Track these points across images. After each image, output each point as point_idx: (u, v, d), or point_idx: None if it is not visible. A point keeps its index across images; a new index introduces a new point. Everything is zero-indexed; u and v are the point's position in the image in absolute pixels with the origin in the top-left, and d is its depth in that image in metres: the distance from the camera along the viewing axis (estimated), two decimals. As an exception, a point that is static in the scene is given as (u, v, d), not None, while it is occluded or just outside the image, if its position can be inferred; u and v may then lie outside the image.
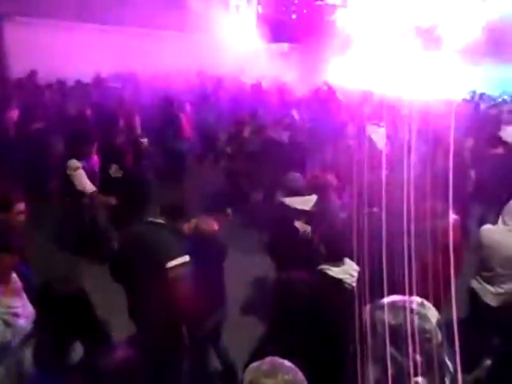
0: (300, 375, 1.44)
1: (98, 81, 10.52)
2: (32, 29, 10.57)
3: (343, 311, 2.01)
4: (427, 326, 1.54)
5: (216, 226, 2.85)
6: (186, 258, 2.51)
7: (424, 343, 1.52)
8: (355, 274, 2.43)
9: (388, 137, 6.14)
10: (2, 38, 10.85)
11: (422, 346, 1.52)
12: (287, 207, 3.22)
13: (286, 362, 1.46)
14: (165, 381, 2.77)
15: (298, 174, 3.52)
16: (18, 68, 10.33)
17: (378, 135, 6.15)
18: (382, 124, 7.29)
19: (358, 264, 2.43)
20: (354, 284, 2.40)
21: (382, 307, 1.60)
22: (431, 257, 2.43)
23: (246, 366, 1.50)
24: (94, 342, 1.79)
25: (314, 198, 3.28)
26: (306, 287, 2.07)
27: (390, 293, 1.83)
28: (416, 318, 1.53)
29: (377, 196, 2.89)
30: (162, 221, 2.65)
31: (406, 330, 1.51)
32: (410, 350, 1.51)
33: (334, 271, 2.39)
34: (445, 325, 1.74)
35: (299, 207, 3.19)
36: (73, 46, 10.96)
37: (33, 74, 9.98)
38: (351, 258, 2.45)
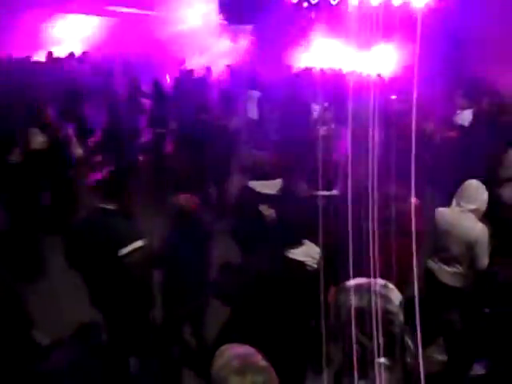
0: (273, 376, 1.42)
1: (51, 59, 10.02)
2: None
3: (305, 293, 2.02)
4: (390, 308, 1.56)
5: (195, 203, 2.84)
6: (139, 243, 2.46)
7: (387, 324, 1.55)
8: (317, 256, 2.45)
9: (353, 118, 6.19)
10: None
11: (385, 328, 1.55)
12: (252, 191, 3.20)
13: (261, 361, 1.44)
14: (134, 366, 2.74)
15: (264, 155, 3.49)
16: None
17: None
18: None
19: (321, 247, 2.45)
20: (315, 266, 2.42)
21: (347, 289, 1.61)
22: (393, 240, 2.49)
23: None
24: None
25: (279, 182, 3.27)
26: (268, 271, 2.07)
27: (355, 275, 1.86)
28: (380, 299, 1.56)
29: (338, 178, 2.93)
30: (112, 207, 2.57)
31: (370, 312, 1.53)
32: (374, 331, 1.53)
33: (295, 253, 2.41)
34: (406, 304, 1.79)
35: (264, 191, 3.18)
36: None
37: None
38: (315, 242, 2.47)
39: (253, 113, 8.45)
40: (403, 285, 2.02)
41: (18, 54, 9.91)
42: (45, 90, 6.76)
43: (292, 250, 2.39)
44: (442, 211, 3.37)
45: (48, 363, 1.93)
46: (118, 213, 2.58)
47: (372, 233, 2.54)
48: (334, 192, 3.05)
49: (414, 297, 1.95)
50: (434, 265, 3.39)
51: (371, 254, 2.21)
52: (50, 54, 10.31)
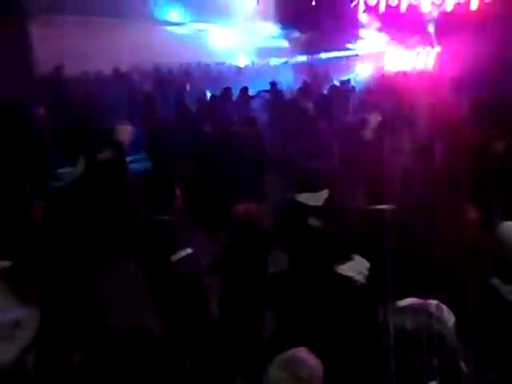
0: (317, 374, 1.46)
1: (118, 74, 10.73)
2: (56, 26, 10.80)
3: (352, 310, 2.01)
4: (444, 330, 1.53)
5: (255, 211, 2.94)
6: (189, 251, 2.58)
7: (440, 347, 1.52)
8: (366, 272, 2.41)
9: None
10: (29, 36, 11.11)
11: (439, 350, 1.52)
12: (299, 204, 3.21)
13: (309, 358, 1.48)
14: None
15: (316, 165, 3.47)
16: (44, 65, 10.60)
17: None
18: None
19: (371, 262, 2.42)
20: (364, 282, 2.38)
21: (399, 310, 1.59)
22: (450, 255, 2.40)
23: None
24: (97, 344, 1.85)
25: (325, 193, 3.25)
26: (315, 285, 2.08)
27: (407, 293, 1.82)
28: (434, 322, 1.53)
29: (393, 191, 2.86)
30: (166, 217, 2.70)
31: (424, 334, 1.51)
32: (427, 353, 1.50)
33: (342, 268, 2.39)
34: (462, 325, 1.73)
35: (311, 203, 3.18)
36: (94, 40, 11.16)
37: (58, 69, 10.19)
38: (365, 256, 2.44)
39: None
40: (459, 303, 1.95)
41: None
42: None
43: (339, 265, 2.38)
44: (508, 225, 3.17)
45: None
46: (170, 222, 2.71)
47: (428, 248, 2.47)
48: (388, 207, 2.97)
49: (470, 316, 1.88)
50: (497, 282, 3.19)
51: (424, 271, 2.16)
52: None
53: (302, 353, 1.52)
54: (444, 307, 1.60)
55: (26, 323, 1.94)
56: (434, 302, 1.62)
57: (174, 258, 2.55)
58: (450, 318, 1.59)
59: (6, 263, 2.03)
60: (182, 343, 2.79)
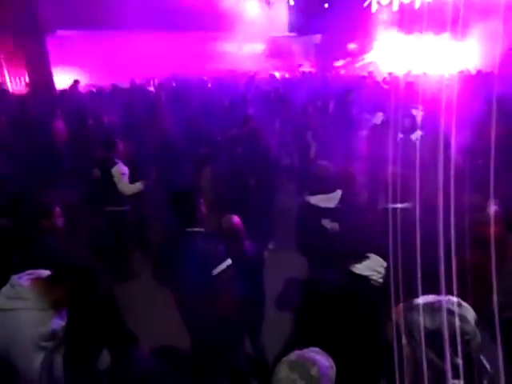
0: (328, 374, 1.43)
1: (134, 86, 10.87)
2: (72, 40, 11.09)
3: (371, 309, 1.97)
4: (467, 328, 1.48)
5: (236, 222, 2.87)
6: (229, 262, 2.55)
7: (463, 345, 1.47)
8: (382, 270, 2.37)
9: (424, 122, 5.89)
10: (46, 51, 11.45)
11: (462, 349, 1.47)
12: (313, 206, 3.17)
13: (320, 359, 1.45)
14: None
15: (326, 164, 3.42)
16: (61, 79, 10.89)
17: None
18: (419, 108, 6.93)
19: (389, 261, 2.37)
20: (381, 280, 2.35)
21: (417, 309, 1.54)
22: (470, 252, 2.33)
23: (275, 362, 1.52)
24: (122, 349, 1.85)
25: (338, 194, 3.20)
26: (333, 286, 2.05)
27: (425, 291, 1.77)
28: (456, 320, 1.48)
29: (410, 190, 2.79)
30: (201, 229, 2.66)
31: (445, 333, 1.46)
32: (449, 352, 1.46)
33: (359, 268, 2.36)
34: (486, 324, 1.67)
35: (324, 205, 3.14)
36: (109, 53, 11.42)
37: (75, 83, 10.44)
38: (381, 255, 2.39)
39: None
40: (481, 302, 1.89)
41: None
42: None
43: (356, 265, 2.35)
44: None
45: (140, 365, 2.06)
46: (203, 234, 2.66)
47: (447, 245, 2.41)
48: (407, 205, 2.91)
49: (493, 316, 1.81)
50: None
51: (444, 269, 2.10)
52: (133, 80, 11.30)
53: (312, 353, 1.49)
54: (465, 304, 1.55)
55: (60, 333, 1.97)
56: (453, 299, 1.56)
57: (216, 270, 2.48)
58: (471, 315, 1.53)
59: (45, 272, 2.05)
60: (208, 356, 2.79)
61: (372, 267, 2.36)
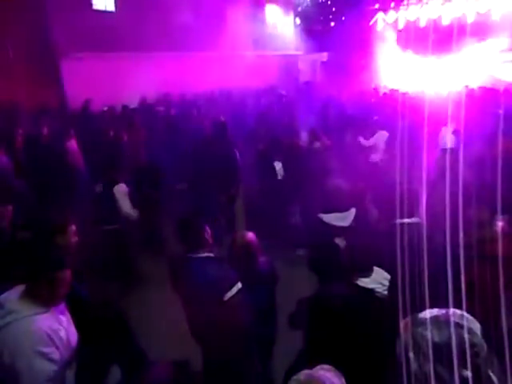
0: None
1: (145, 105, 11.04)
2: (85, 62, 11.37)
3: (378, 323, 2.00)
4: (475, 340, 1.49)
5: (251, 237, 2.86)
6: (239, 286, 2.56)
7: (473, 358, 1.48)
8: (386, 283, 2.41)
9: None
10: (60, 72, 11.74)
11: (471, 361, 1.48)
12: (326, 225, 3.21)
13: (327, 373, 1.47)
14: None
15: (340, 183, 3.44)
16: (75, 100, 11.14)
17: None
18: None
19: (395, 275, 2.40)
20: (385, 293, 2.38)
21: (423, 323, 1.55)
22: (477, 268, 2.35)
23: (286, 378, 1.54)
24: (131, 365, 1.89)
25: (352, 212, 3.24)
26: (341, 301, 2.08)
27: (431, 304, 1.79)
28: (462, 331, 1.49)
29: (416, 205, 2.83)
30: (210, 254, 2.68)
31: (455, 346, 1.47)
32: (458, 365, 1.47)
33: (364, 281, 2.38)
34: (494, 338, 1.68)
35: (338, 224, 3.17)
36: (121, 74, 11.67)
37: (87, 103, 10.67)
38: (387, 270, 2.43)
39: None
40: (488, 317, 1.90)
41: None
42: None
43: (362, 279, 2.39)
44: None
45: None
46: (216, 258, 2.69)
47: (454, 259, 2.43)
48: (415, 220, 2.94)
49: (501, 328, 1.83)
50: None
51: (451, 282, 2.13)
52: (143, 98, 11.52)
53: (323, 371, 1.50)
54: (469, 316, 1.56)
55: (63, 336, 2.04)
56: (458, 311, 1.57)
57: (228, 295, 2.48)
58: (477, 327, 1.54)
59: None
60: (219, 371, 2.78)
61: (377, 280, 2.40)
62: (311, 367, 1.56)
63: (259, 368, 3.05)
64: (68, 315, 2.29)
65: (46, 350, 1.98)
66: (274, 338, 3.19)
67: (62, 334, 2.10)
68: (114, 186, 4.65)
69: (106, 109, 10.60)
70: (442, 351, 1.48)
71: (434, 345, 1.49)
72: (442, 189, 3.73)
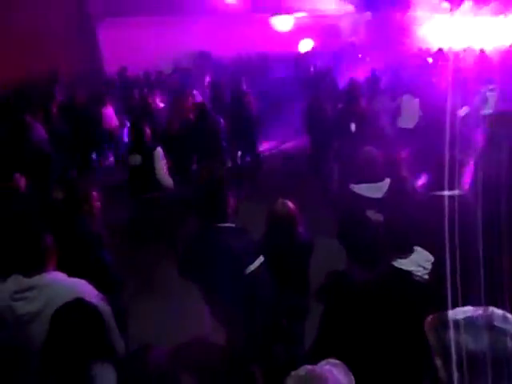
0: None
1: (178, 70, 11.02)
2: (120, 27, 11.29)
3: (411, 313, 1.76)
4: None
5: (292, 207, 2.71)
6: (261, 259, 2.44)
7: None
8: (428, 266, 2.13)
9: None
10: (95, 38, 11.75)
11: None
12: (358, 196, 2.96)
13: (332, 369, 1.31)
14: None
15: (373, 150, 3.16)
16: (111, 66, 11.17)
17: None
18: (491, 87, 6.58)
19: (435, 256, 2.14)
20: (426, 277, 2.10)
21: (455, 325, 1.28)
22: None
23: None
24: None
25: (386, 183, 2.96)
26: (369, 282, 1.86)
27: (473, 293, 1.54)
28: (508, 340, 1.22)
29: (458, 175, 2.53)
30: (231, 224, 2.55)
31: (498, 356, 1.21)
32: (499, 380, 1.21)
33: (402, 263, 2.13)
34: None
35: (370, 195, 2.92)
36: (156, 39, 11.55)
37: (123, 70, 10.65)
38: (428, 249, 2.16)
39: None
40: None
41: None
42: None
43: (399, 260, 2.13)
44: None
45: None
46: (235, 229, 2.56)
47: (499, 243, 2.15)
48: (457, 192, 2.64)
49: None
50: None
51: (496, 269, 1.87)
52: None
53: (327, 366, 1.33)
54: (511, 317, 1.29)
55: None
56: (499, 312, 1.27)
57: (250, 268, 2.37)
58: None
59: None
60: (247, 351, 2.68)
61: (418, 262, 2.12)
62: (317, 360, 1.39)
63: (289, 340, 2.94)
64: None
65: None
66: (308, 309, 3.01)
67: None
68: (153, 151, 4.56)
69: (141, 74, 10.55)
70: (478, 361, 1.22)
71: (469, 353, 1.23)
72: (491, 157, 3.37)
